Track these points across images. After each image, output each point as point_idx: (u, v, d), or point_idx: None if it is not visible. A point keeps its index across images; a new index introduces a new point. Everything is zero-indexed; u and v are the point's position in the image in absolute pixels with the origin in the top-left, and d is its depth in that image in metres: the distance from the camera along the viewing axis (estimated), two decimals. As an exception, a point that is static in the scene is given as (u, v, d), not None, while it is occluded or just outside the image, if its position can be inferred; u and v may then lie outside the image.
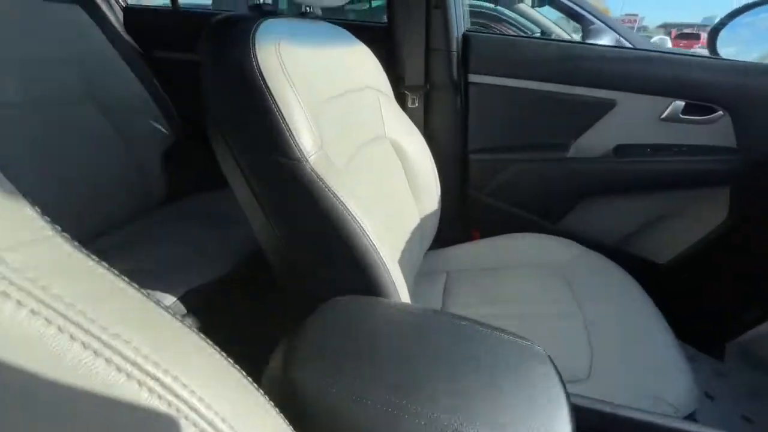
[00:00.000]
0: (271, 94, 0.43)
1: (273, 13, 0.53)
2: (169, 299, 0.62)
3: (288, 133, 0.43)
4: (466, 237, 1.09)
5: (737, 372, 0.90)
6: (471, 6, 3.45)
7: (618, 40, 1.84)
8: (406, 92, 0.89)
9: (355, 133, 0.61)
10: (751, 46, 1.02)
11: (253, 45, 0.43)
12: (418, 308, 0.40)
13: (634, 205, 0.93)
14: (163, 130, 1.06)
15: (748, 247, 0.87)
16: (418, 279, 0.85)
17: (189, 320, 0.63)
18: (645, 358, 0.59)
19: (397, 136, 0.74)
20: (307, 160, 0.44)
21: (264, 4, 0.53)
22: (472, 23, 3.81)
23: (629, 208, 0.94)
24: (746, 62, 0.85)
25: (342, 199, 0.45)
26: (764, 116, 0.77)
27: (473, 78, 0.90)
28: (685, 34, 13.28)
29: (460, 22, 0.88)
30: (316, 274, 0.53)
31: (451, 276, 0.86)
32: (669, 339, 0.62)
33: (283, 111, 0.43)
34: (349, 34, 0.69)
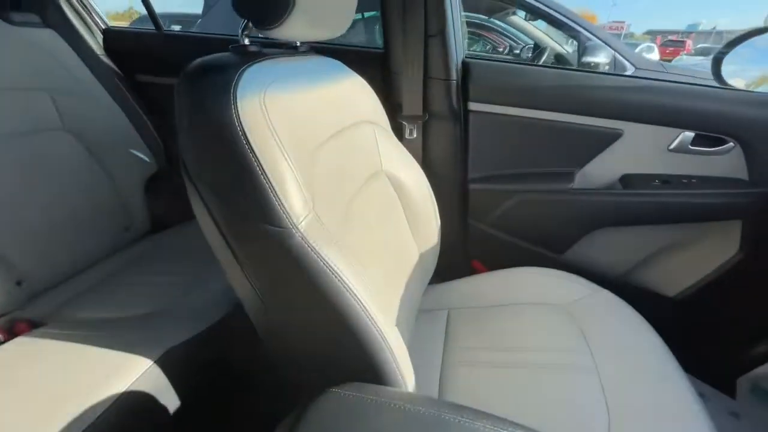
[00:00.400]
0: (255, 156, 0.38)
1: (259, 53, 0.47)
2: (145, 363, 0.56)
3: (275, 200, 0.38)
4: (467, 268, 1.04)
5: (750, 411, 0.87)
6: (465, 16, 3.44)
7: (614, 56, 1.83)
8: (403, 122, 0.85)
9: (351, 175, 0.57)
10: (751, 65, 1.01)
11: (235, 99, 0.38)
12: (424, 404, 0.35)
13: (643, 237, 0.90)
14: (145, 158, 1.00)
15: (759, 281, 0.84)
16: (418, 316, 0.80)
17: (166, 386, 0.57)
18: (664, 421, 0.54)
19: (395, 169, 0.70)
20: (296, 227, 0.39)
21: (251, 43, 0.48)
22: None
23: (637, 239, 0.90)
24: (758, 93, 0.83)
25: (336, 269, 0.40)
26: (777, 148, 0.75)
27: (473, 106, 0.86)
28: (671, 41, 13.59)
29: (459, 49, 0.84)
30: (306, 346, 0.48)
31: (452, 314, 0.81)
32: (689, 395, 0.58)
33: (269, 175, 0.38)
34: (342, 66, 0.65)
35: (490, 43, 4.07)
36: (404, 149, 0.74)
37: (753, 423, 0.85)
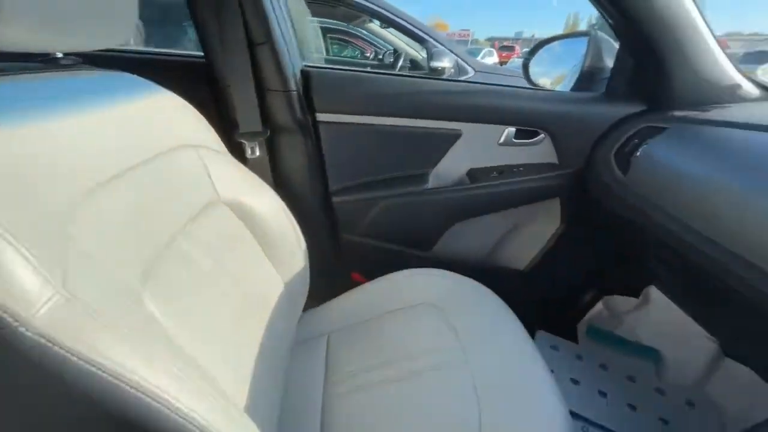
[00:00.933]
0: None
1: None
2: None
3: None
4: (348, 283, 1.02)
5: (588, 349, 1.05)
6: (326, 23, 3.48)
7: (456, 60, 2.05)
8: (242, 141, 0.76)
9: (159, 217, 0.45)
10: (552, 67, 1.24)
11: None
12: None
13: (493, 223, 1.00)
14: None
15: (578, 245, 1.02)
16: (295, 351, 0.73)
17: None
18: (525, 403, 0.58)
19: (238, 195, 0.61)
20: (27, 323, 0.26)
21: None
22: (331, 38, 3.90)
23: (489, 226, 1.01)
24: (557, 91, 0.99)
25: (109, 366, 0.28)
26: (573, 136, 0.91)
27: (321, 117, 0.83)
28: (505, 47, 16.42)
29: (295, 58, 0.79)
30: None
31: (333, 338, 0.77)
32: (540, 366, 0.63)
33: None
34: (136, 81, 0.52)
35: (359, 49, 4.23)
36: (248, 171, 0.66)
37: (591, 359, 1.04)
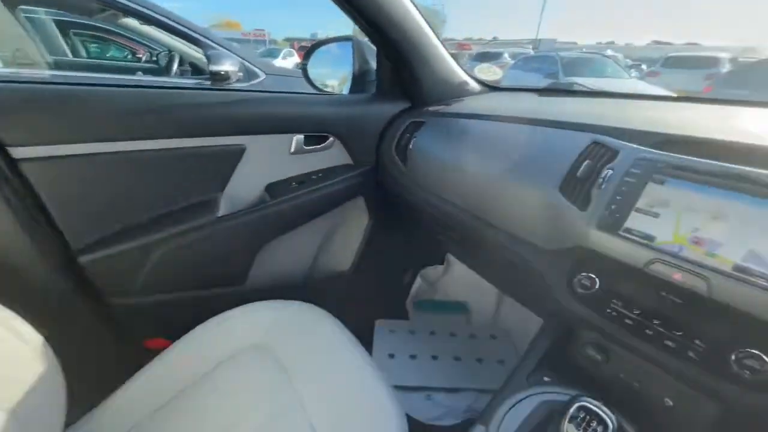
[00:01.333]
0: None
1: None
2: None
3: None
4: (142, 354, 0.79)
5: (420, 323, 1.17)
6: (61, 15, 2.66)
7: (243, 63, 1.90)
8: None
9: None
10: (336, 68, 1.28)
11: None
12: None
13: (305, 234, 0.96)
14: None
15: (389, 234, 1.11)
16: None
17: None
18: (360, 420, 0.57)
19: None
20: None
21: None
22: (80, 36, 3.05)
23: (302, 238, 0.96)
24: (338, 95, 1.01)
25: None
26: (358, 136, 0.95)
27: (21, 152, 0.57)
28: (304, 47, 16.87)
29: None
30: None
31: None
32: (375, 380, 0.62)
33: None
34: None
35: (127, 49, 3.48)
36: None
37: (422, 330, 1.15)
